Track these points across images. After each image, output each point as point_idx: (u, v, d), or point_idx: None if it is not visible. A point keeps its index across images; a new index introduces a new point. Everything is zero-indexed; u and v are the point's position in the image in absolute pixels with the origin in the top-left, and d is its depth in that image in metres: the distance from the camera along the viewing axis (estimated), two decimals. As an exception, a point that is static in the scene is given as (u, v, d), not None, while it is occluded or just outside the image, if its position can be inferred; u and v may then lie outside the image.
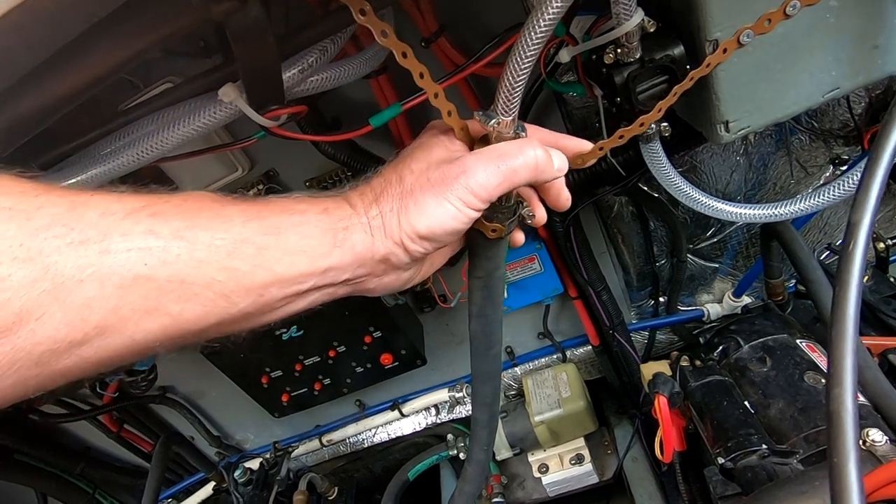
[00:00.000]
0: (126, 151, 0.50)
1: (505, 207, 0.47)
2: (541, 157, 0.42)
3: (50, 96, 0.35)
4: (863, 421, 0.64)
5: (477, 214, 0.42)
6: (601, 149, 0.51)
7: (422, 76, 0.42)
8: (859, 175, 0.65)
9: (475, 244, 0.50)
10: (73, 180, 0.51)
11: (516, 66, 0.41)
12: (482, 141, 0.45)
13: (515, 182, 0.42)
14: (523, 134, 0.45)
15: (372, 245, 0.41)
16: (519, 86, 0.42)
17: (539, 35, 0.40)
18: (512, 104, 0.42)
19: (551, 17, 0.40)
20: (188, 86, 0.51)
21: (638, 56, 0.56)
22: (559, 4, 0.39)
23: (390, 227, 0.41)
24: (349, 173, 1.01)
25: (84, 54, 0.34)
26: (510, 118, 0.43)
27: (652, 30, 0.55)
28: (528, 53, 0.40)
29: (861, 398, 0.69)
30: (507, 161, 0.41)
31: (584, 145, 0.50)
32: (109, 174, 0.51)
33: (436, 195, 0.40)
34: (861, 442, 0.61)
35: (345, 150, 0.88)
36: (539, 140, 0.46)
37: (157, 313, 0.34)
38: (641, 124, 0.54)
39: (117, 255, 0.32)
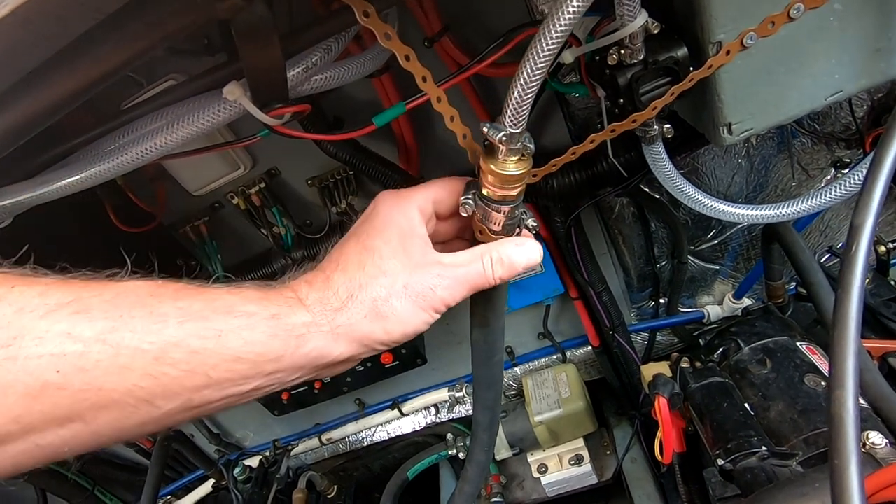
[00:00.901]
0: (130, 149, 0.50)
1: (510, 220, 0.47)
2: (501, 277, 0.45)
3: (57, 92, 0.35)
4: (863, 423, 0.64)
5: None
6: (592, 141, 0.51)
7: (424, 80, 0.42)
8: (860, 175, 0.65)
9: None
10: (76, 177, 0.51)
11: (526, 79, 0.40)
12: (487, 150, 0.45)
13: (480, 290, 0.46)
14: (531, 146, 0.44)
15: (333, 351, 0.40)
16: (528, 99, 0.41)
17: (549, 49, 0.39)
18: (520, 117, 0.42)
19: (558, 35, 0.39)
20: (192, 84, 0.51)
21: (641, 57, 0.56)
22: (571, 16, 0.39)
23: (360, 332, 0.40)
24: (350, 172, 1.01)
25: (91, 51, 0.34)
26: (518, 130, 0.43)
27: (656, 32, 0.55)
28: (539, 66, 0.40)
29: (861, 401, 0.69)
30: (475, 282, 0.45)
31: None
32: (112, 171, 0.51)
33: (413, 306, 0.41)
34: (861, 444, 0.61)
35: (347, 148, 0.89)
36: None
37: (66, 422, 0.32)
38: (634, 121, 0.55)
39: (26, 361, 0.29)
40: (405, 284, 0.41)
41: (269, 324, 0.37)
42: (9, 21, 0.27)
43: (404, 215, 0.44)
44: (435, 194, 0.47)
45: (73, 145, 0.52)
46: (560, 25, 0.39)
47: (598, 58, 0.62)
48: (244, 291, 0.38)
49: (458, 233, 0.51)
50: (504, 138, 0.42)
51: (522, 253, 0.46)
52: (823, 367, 0.81)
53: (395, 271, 0.41)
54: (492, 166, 0.44)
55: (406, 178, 0.92)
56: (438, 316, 0.44)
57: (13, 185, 0.53)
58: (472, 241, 0.49)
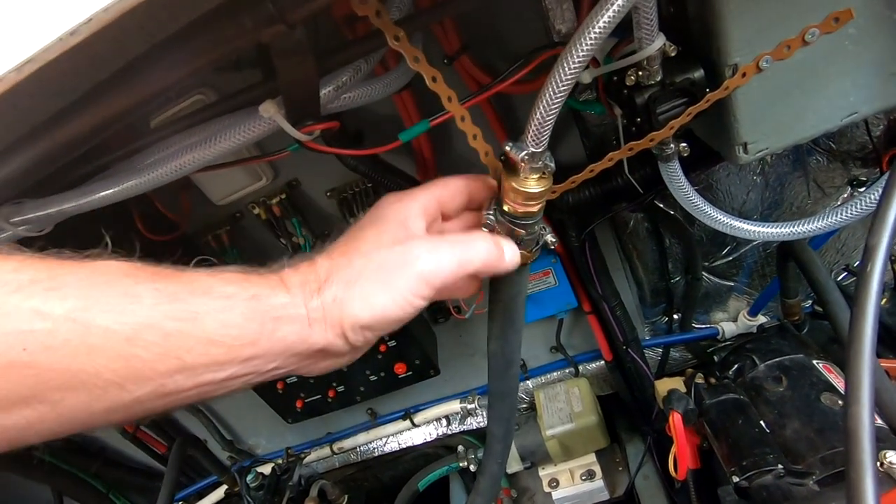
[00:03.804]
0: (168, 162, 0.53)
1: (530, 236, 0.48)
2: (492, 253, 0.43)
3: (111, 111, 0.38)
4: (881, 443, 0.64)
5: (424, 304, 0.40)
6: (611, 159, 0.53)
7: (450, 100, 0.44)
8: (877, 194, 0.65)
9: None
10: (117, 189, 0.54)
11: (549, 100, 0.42)
12: (509, 168, 0.47)
13: (467, 272, 0.42)
14: (552, 165, 0.46)
15: (309, 337, 0.38)
16: (550, 119, 0.43)
17: (572, 72, 0.41)
18: (543, 137, 0.44)
19: (581, 59, 0.41)
20: (227, 102, 0.53)
21: (659, 79, 0.58)
22: (593, 41, 0.40)
23: (332, 317, 0.38)
24: (369, 184, 1.03)
25: (145, 73, 0.37)
26: (541, 150, 0.44)
27: (673, 54, 0.57)
28: (562, 88, 0.41)
29: (879, 421, 0.69)
30: (462, 252, 0.41)
31: (490, 182, 0.48)
32: (151, 183, 0.54)
33: (383, 282, 0.38)
34: (879, 464, 0.61)
35: (367, 162, 0.91)
36: (448, 189, 0.47)
37: (32, 401, 0.31)
38: (651, 140, 0.56)
39: None
40: (380, 264, 0.39)
41: (248, 305, 0.36)
42: (76, 49, 0.30)
43: (404, 210, 0.43)
44: (440, 194, 0.45)
45: (113, 158, 0.55)
46: (582, 50, 0.41)
47: (615, 78, 0.64)
48: (225, 274, 0.37)
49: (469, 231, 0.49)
50: (526, 157, 0.44)
51: (507, 247, 0.45)
52: (840, 385, 0.80)
53: (372, 252, 0.39)
54: (513, 184, 0.46)
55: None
56: (420, 302, 0.40)
57: (56, 196, 0.55)
58: None
